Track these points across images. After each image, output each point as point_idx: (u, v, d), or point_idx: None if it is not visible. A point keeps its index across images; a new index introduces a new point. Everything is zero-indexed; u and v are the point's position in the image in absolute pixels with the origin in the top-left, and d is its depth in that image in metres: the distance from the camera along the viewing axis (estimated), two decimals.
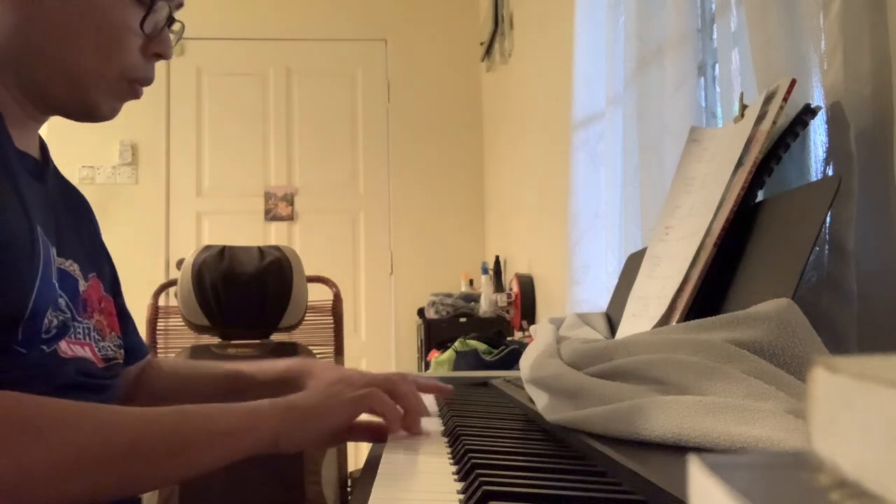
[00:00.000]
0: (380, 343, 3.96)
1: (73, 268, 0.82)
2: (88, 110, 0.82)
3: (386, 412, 0.77)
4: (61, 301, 0.77)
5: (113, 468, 0.64)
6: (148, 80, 0.84)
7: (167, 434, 0.68)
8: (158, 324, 2.05)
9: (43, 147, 0.87)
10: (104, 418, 0.67)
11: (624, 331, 0.97)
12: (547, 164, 2.60)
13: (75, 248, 0.85)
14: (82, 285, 0.83)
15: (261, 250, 1.74)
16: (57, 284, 0.76)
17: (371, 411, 0.76)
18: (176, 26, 0.87)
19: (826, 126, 0.78)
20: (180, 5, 0.86)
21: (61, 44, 0.78)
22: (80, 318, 0.81)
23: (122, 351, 0.90)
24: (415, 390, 0.82)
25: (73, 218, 0.89)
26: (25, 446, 0.60)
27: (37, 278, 0.72)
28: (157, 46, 0.83)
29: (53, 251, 0.78)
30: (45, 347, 0.73)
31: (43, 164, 0.84)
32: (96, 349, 0.83)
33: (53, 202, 0.84)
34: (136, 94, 0.84)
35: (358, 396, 0.75)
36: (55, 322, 0.74)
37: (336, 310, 2.07)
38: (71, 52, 0.78)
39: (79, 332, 0.80)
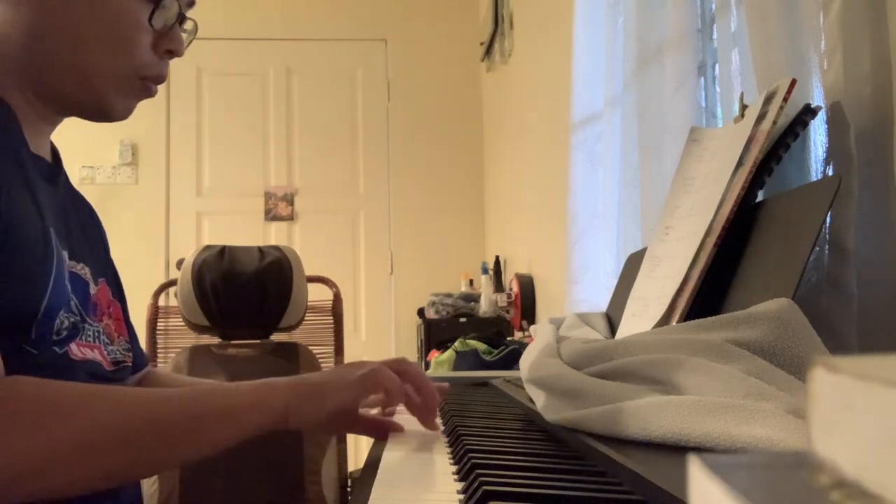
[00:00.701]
0: (380, 343, 3.96)
1: (84, 271, 0.83)
2: (102, 110, 0.82)
3: (391, 388, 0.77)
4: (72, 303, 0.77)
5: (133, 447, 0.66)
6: (161, 78, 0.84)
7: (184, 411, 0.69)
8: (158, 324, 2.05)
9: (55, 152, 0.88)
10: (122, 399, 0.68)
11: (624, 331, 0.97)
12: (547, 164, 2.60)
13: (85, 253, 0.85)
14: (92, 289, 0.84)
15: (261, 250, 1.74)
16: (69, 287, 0.77)
17: (377, 387, 0.77)
18: (188, 24, 0.87)
19: (826, 126, 0.78)
20: (191, 3, 0.86)
21: (71, 44, 0.78)
22: (90, 321, 0.81)
23: (130, 354, 0.90)
24: (422, 371, 0.84)
25: (83, 224, 0.90)
26: (48, 429, 0.62)
27: (50, 279, 0.72)
28: (168, 43, 0.83)
29: (66, 254, 0.78)
30: (56, 349, 0.74)
31: (55, 168, 0.85)
32: (105, 352, 0.83)
33: (64, 206, 0.84)
34: (151, 93, 0.84)
35: (364, 373, 0.77)
36: (66, 323, 0.75)
37: (336, 310, 2.07)
38: (82, 52, 0.78)
39: (89, 335, 0.81)
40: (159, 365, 1.99)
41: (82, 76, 0.79)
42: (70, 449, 0.62)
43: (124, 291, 0.99)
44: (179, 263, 1.75)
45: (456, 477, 0.58)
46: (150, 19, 0.80)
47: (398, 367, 0.81)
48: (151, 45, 0.82)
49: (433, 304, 3.36)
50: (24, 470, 0.60)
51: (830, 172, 0.77)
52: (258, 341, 1.72)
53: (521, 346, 2.07)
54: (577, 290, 1.95)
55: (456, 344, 2.37)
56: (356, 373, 0.77)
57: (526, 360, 0.95)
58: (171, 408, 0.69)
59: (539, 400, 0.79)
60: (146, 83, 0.83)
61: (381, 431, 0.81)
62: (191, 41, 0.88)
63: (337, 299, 2.08)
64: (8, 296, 0.68)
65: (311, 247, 3.82)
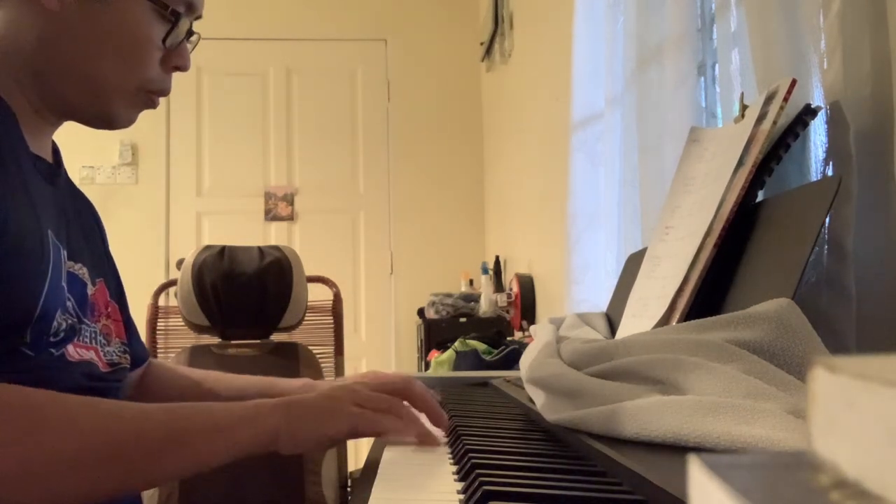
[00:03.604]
0: (380, 343, 3.96)
1: (82, 271, 0.83)
2: (106, 119, 0.84)
3: (381, 431, 0.74)
4: (69, 304, 0.77)
5: (115, 462, 0.65)
6: (165, 92, 0.86)
7: (169, 428, 0.68)
8: (158, 324, 2.05)
9: (56, 151, 0.88)
10: (106, 412, 0.67)
11: (624, 331, 0.97)
12: (547, 164, 2.60)
13: (84, 253, 0.86)
14: (90, 289, 0.84)
15: (261, 250, 1.74)
16: (66, 287, 0.77)
17: (368, 431, 0.74)
18: (193, 37, 0.88)
19: (826, 126, 0.78)
20: (199, 17, 0.88)
21: (86, 57, 0.79)
22: (87, 322, 0.81)
23: (127, 356, 0.90)
24: (426, 395, 0.82)
25: (82, 223, 0.90)
26: (28, 439, 0.61)
27: (46, 280, 0.72)
28: (176, 59, 0.85)
29: (64, 254, 0.78)
30: (53, 350, 0.73)
31: (55, 168, 0.85)
32: (102, 353, 0.83)
33: (64, 206, 0.84)
34: (153, 105, 0.86)
35: (357, 414, 0.73)
36: (64, 325, 0.75)
37: (336, 310, 2.07)
38: (94, 66, 0.79)
39: (85, 336, 0.80)
40: None
41: (91, 87, 0.80)
42: (54, 461, 0.61)
43: (124, 290, 0.99)
44: (179, 263, 1.75)
45: (456, 477, 0.58)
46: (164, 40, 0.82)
47: (403, 390, 0.79)
48: (160, 61, 0.84)
49: (433, 304, 3.36)
50: (4, 479, 0.59)
51: (830, 172, 0.77)
52: (258, 341, 1.72)
53: (521, 346, 2.07)
54: (577, 290, 1.95)
55: (456, 344, 2.37)
56: (349, 407, 0.74)
57: (526, 360, 0.95)
58: (157, 424, 0.68)
59: (539, 400, 0.79)
60: (151, 96, 0.85)
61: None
62: (192, 49, 0.89)
63: (337, 299, 2.08)
64: (3, 298, 0.67)
65: (311, 247, 3.82)
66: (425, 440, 0.75)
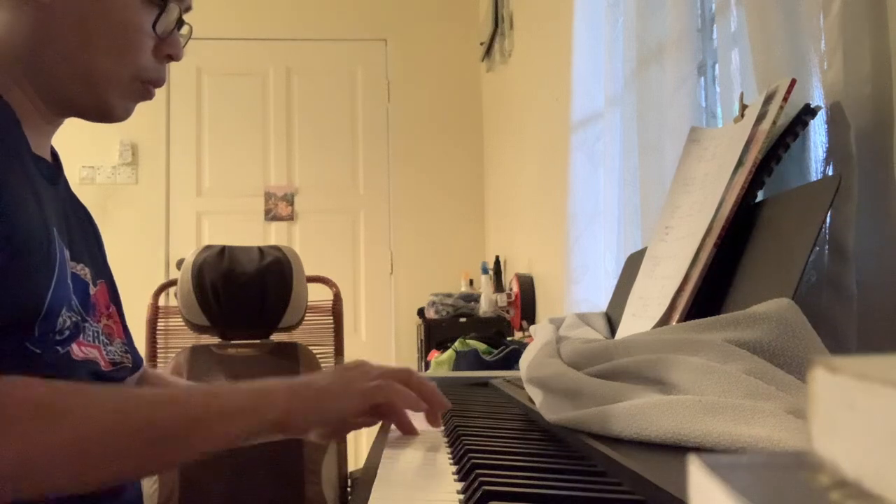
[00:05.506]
0: (380, 343, 3.96)
1: (84, 272, 0.83)
2: (103, 111, 0.84)
3: (399, 401, 0.76)
4: (73, 303, 0.78)
5: (128, 448, 0.65)
6: (160, 82, 0.86)
7: (179, 413, 0.68)
8: (158, 324, 2.05)
9: (55, 154, 0.89)
10: (117, 399, 0.68)
11: (624, 331, 0.97)
12: (547, 164, 2.60)
13: (84, 254, 0.86)
14: (92, 289, 0.84)
15: (261, 250, 1.74)
16: (70, 286, 0.77)
17: (385, 401, 0.75)
18: (184, 29, 0.89)
19: (826, 126, 0.78)
20: (189, 8, 0.88)
21: (77, 46, 0.79)
22: (89, 321, 0.81)
23: (128, 356, 0.90)
24: (426, 381, 0.83)
25: (82, 226, 0.91)
26: (40, 430, 0.61)
27: (53, 277, 0.72)
28: (168, 48, 0.85)
29: (67, 253, 0.78)
30: (59, 349, 0.74)
31: (56, 169, 0.86)
32: (104, 353, 0.84)
33: (65, 207, 0.85)
34: (149, 95, 0.86)
35: (372, 387, 0.75)
36: (68, 322, 0.75)
37: (336, 310, 2.07)
38: (86, 54, 0.80)
39: (89, 335, 0.81)
40: (159, 365, 1.99)
41: (86, 78, 0.80)
42: (63, 450, 0.62)
43: (120, 299, 0.99)
44: (179, 263, 1.75)
45: (456, 477, 0.58)
46: (154, 25, 0.82)
47: (408, 379, 0.79)
48: (152, 50, 0.84)
49: (433, 304, 3.36)
50: (7, 472, 0.59)
51: (830, 172, 0.77)
52: (258, 341, 1.72)
53: (521, 346, 2.07)
54: (576, 290, 1.95)
55: (456, 344, 2.37)
56: (363, 383, 0.75)
57: (526, 360, 0.95)
58: (166, 409, 0.68)
59: (539, 400, 0.79)
60: (146, 86, 0.85)
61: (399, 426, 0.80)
62: (185, 43, 0.89)
63: (337, 299, 2.08)
64: (11, 294, 0.68)
65: (311, 247, 3.81)
66: (431, 420, 0.78)
